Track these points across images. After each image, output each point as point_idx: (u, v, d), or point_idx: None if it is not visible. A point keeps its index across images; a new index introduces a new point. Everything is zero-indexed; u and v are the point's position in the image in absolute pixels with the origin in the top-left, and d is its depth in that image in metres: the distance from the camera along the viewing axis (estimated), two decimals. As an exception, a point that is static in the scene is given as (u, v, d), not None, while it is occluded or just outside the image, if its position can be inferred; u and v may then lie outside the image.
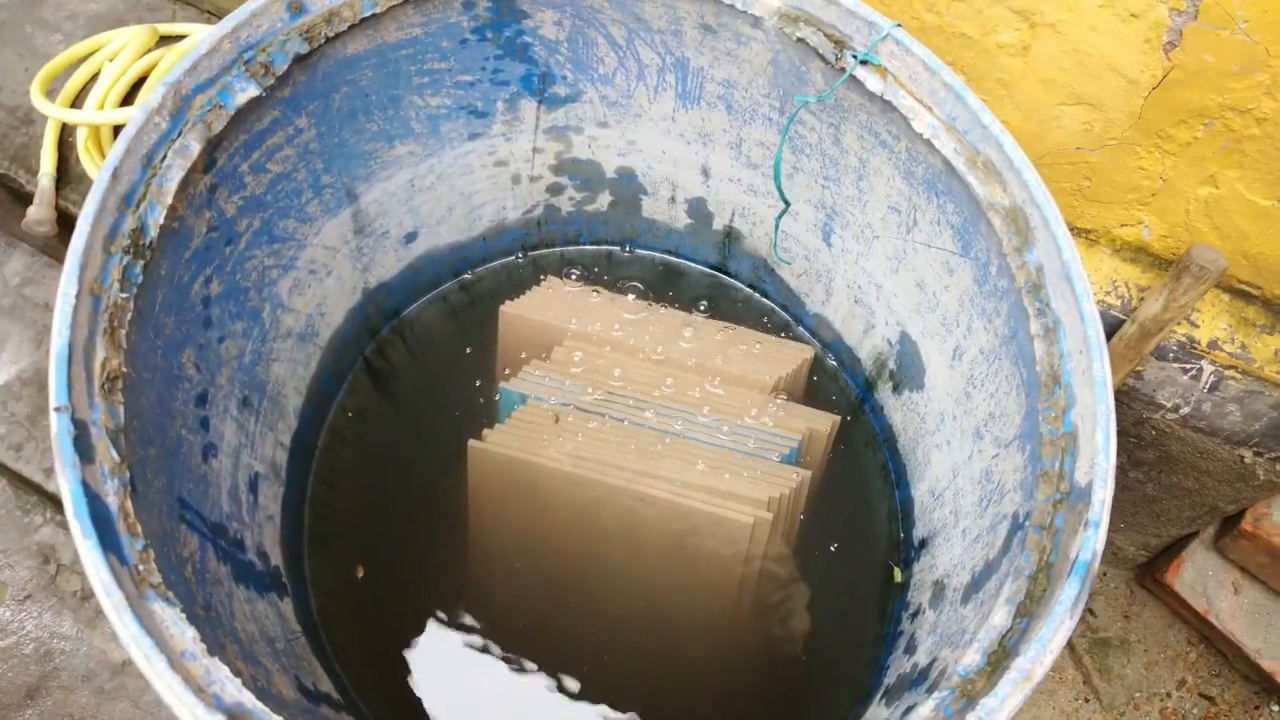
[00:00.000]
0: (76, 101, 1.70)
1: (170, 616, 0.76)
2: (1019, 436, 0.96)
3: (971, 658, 0.76)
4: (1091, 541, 0.75)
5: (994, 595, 0.93)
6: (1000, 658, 0.75)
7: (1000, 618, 0.77)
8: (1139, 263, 1.37)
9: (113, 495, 0.80)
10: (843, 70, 0.99)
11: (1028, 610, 0.77)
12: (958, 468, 1.16)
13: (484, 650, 1.29)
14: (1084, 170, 1.30)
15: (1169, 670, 1.82)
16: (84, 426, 0.80)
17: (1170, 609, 1.83)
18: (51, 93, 1.69)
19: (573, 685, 1.27)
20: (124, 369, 0.88)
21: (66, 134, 1.69)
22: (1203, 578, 1.72)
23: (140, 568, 0.78)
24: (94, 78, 1.71)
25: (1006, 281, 0.95)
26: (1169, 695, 1.80)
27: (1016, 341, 0.95)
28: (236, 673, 0.91)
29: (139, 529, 0.80)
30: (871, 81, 0.98)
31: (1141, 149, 1.24)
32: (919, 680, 1.05)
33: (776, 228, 1.25)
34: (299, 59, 1.03)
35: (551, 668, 1.28)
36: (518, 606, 1.32)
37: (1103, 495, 0.76)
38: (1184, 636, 1.83)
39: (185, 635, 0.75)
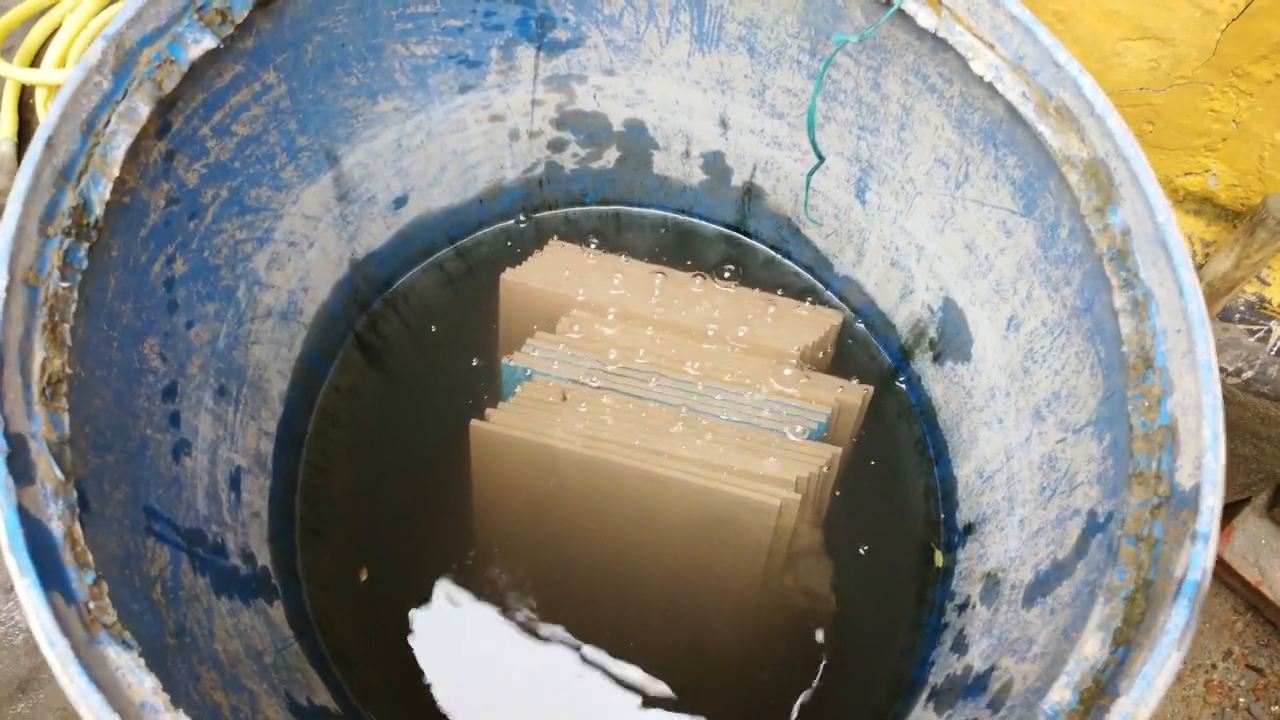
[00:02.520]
0: (36, 60, 1.56)
1: (126, 662, 0.65)
2: (1093, 423, 0.85)
3: (1061, 694, 0.65)
4: (1201, 558, 0.64)
5: (1068, 605, 0.82)
6: (1095, 695, 0.64)
7: (1093, 647, 0.66)
8: (1203, 215, 1.24)
9: (57, 520, 0.69)
10: (888, 4, 0.86)
11: (1126, 638, 0.66)
12: (1012, 449, 1.05)
13: (495, 641, 1.19)
14: (1147, 113, 1.16)
15: (1215, 641, 1.73)
16: (20, 441, 0.69)
17: (1218, 578, 1.73)
18: (8, 50, 1.55)
19: (592, 676, 1.18)
20: (70, 369, 0.76)
21: (26, 95, 1.55)
22: (1255, 546, 1.62)
23: (91, 605, 0.67)
24: (54, 33, 1.57)
25: (1081, 246, 0.83)
26: (1214, 667, 1.71)
27: (1092, 314, 0.83)
28: (214, 705, 0.81)
29: (90, 557, 0.69)
30: (923, 16, 0.85)
31: (1214, 89, 1.10)
32: (975, 689, 0.95)
33: (807, 185, 1.12)
34: (261, 5, 0.90)
35: (568, 658, 1.18)
36: (527, 596, 1.22)
37: (1212, 502, 0.65)
38: (1231, 606, 1.74)
39: (144, 685, 0.64)
